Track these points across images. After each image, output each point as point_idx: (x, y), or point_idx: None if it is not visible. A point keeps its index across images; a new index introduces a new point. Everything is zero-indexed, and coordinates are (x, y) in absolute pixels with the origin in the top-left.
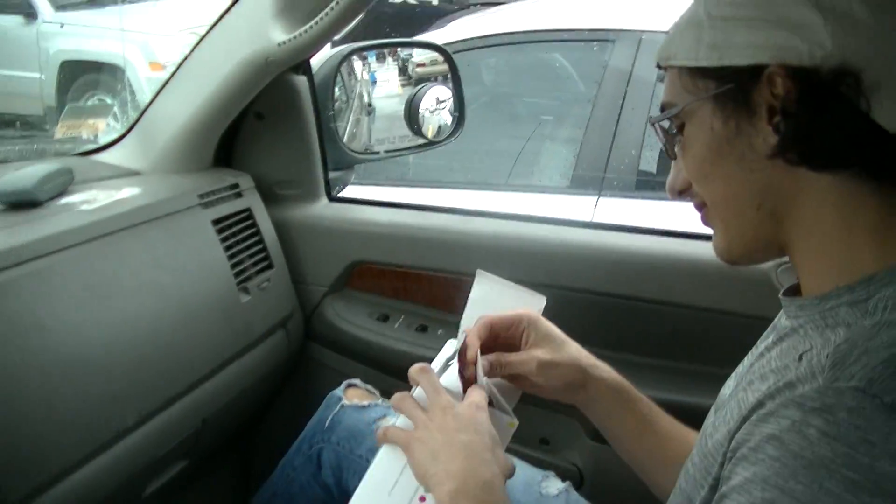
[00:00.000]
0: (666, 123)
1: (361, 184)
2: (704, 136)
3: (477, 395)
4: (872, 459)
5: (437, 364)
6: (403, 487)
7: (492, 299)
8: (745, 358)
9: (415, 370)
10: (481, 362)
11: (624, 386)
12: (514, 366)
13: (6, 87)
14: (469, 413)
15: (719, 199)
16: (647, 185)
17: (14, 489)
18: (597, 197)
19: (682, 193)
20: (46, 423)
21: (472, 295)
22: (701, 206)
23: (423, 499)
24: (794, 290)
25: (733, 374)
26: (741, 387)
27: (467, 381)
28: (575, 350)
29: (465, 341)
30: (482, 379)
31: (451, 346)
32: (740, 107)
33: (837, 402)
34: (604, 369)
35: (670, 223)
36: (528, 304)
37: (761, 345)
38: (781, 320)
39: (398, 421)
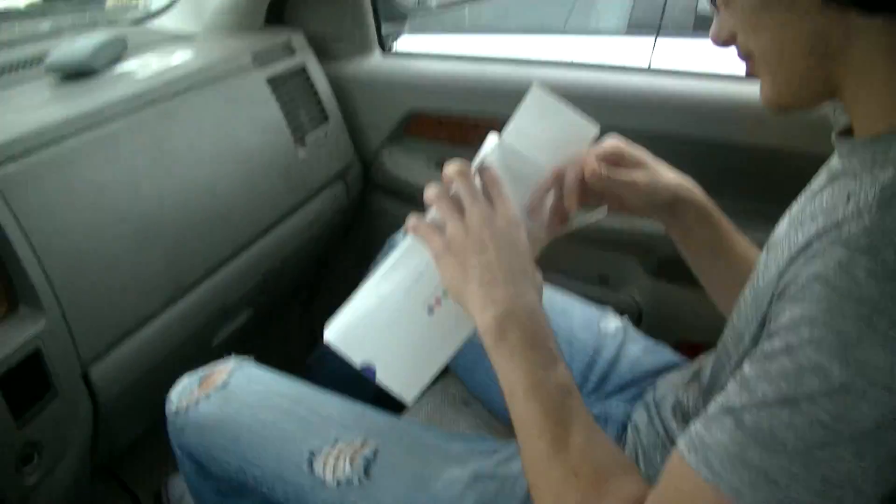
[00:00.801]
0: None
1: (416, 34)
2: None
3: (509, 207)
4: None
5: (474, 165)
6: (422, 287)
7: (543, 118)
8: (799, 196)
9: (451, 169)
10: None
11: (707, 206)
12: (618, 185)
13: None
14: (507, 230)
15: (768, 48)
16: (705, 23)
17: (88, 345)
18: (654, 38)
19: (726, 43)
20: (116, 282)
21: (521, 108)
22: (747, 57)
23: (438, 302)
24: (848, 132)
25: (786, 213)
26: (793, 227)
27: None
28: (667, 172)
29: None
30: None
31: (490, 142)
32: None
33: (883, 242)
34: (691, 190)
35: (727, 64)
36: (580, 130)
37: (814, 184)
38: (833, 161)
39: (431, 213)
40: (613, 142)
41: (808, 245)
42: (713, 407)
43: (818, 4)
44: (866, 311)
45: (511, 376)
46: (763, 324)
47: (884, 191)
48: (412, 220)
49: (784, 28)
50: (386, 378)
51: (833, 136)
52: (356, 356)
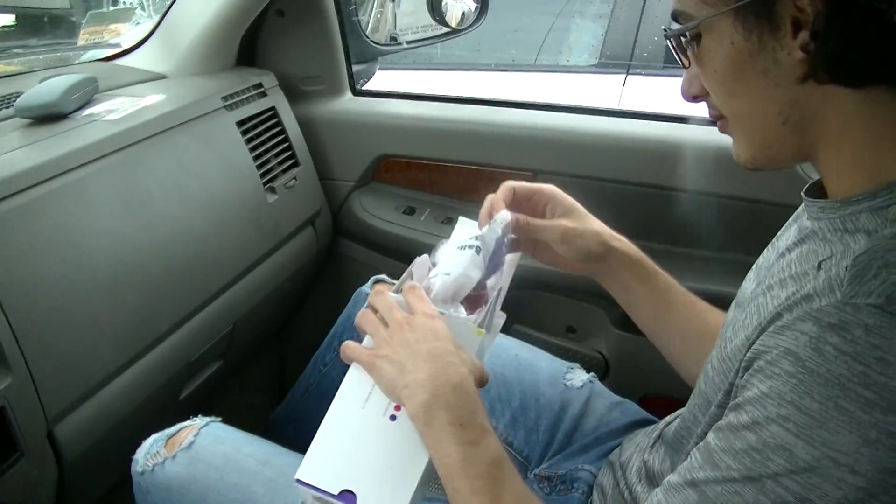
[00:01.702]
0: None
1: (388, 69)
2: (725, 50)
3: (426, 306)
4: (888, 378)
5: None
6: (376, 400)
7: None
8: (766, 250)
9: (371, 295)
10: (501, 218)
11: (642, 259)
12: (540, 230)
13: None
14: (425, 322)
15: (742, 114)
16: (676, 59)
17: (54, 403)
18: (625, 76)
19: (696, 99)
20: (83, 336)
21: (451, 237)
22: (719, 117)
23: (398, 408)
24: (817, 190)
25: (754, 267)
26: (761, 289)
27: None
28: (597, 223)
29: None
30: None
31: (418, 265)
32: (762, 20)
33: (855, 319)
34: (624, 242)
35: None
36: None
37: (782, 240)
38: (803, 219)
39: (365, 340)
40: (542, 186)
41: (778, 316)
42: (676, 476)
43: (795, 78)
44: (834, 391)
45: (442, 457)
46: (730, 392)
47: (855, 264)
48: (343, 347)
49: (758, 96)
50: (368, 499)
51: (803, 194)
52: (331, 487)
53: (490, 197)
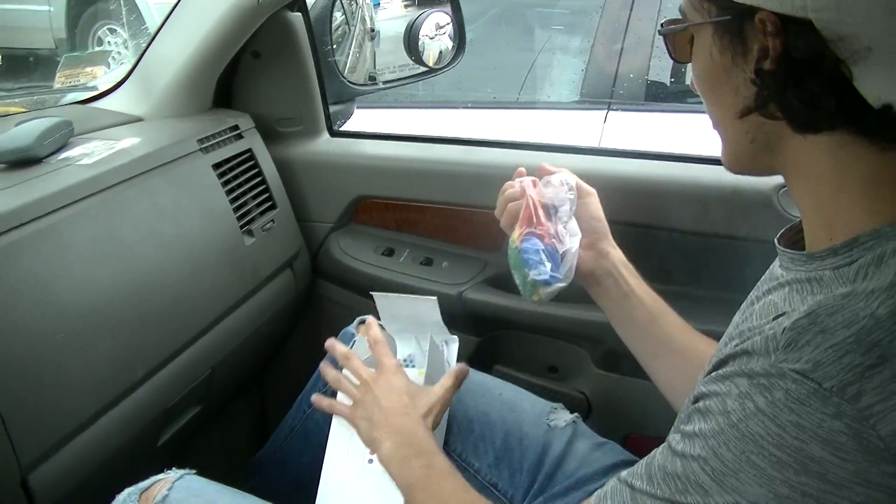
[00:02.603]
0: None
1: (369, 107)
2: (705, 59)
3: (388, 360)
4: (801, 443)
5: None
6: (356, 449)
7: (395, 311)
8: (752, 293)
9: (339, 356)
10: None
11: (635, 273)
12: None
13: (16, 21)
14: (383, 380)
15: (718, 123)
16: (657, 96)
17: (27, 451)
18: (606, 111)
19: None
20: (57, 384)
21: (380, 313)
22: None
23: (372, 452)
24: (789, 238)
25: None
26: (731, 332)
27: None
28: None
29: None
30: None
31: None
32: (736, 41)
33: (778, 383)
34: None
35: (680, 136)
36: (423, 308)
37: (759, 287)
38: (776, 268)
39: (339, 395)
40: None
41: (722, 363)
42: (625, 473)
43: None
44: (748, 446)
45: (403, 482)
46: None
47: (794, 328)
48: (316, 401)
49: (729, 111)
50: None
51: (776, 242)
52: None
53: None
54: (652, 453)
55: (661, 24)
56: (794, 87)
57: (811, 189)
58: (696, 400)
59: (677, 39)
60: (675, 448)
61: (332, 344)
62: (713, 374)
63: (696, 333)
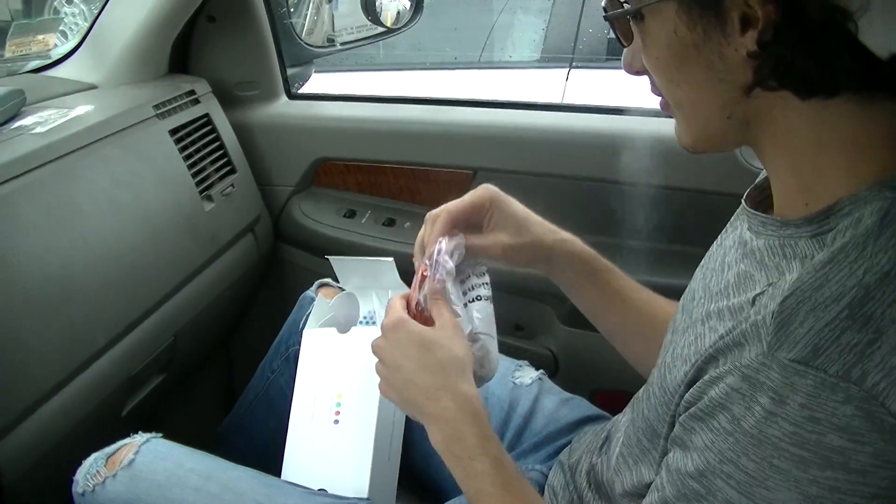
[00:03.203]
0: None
1: (329, 71)
2: (667, 38)
3: (394, 313)
4: (819, 435)
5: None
6: (320, 412)
7: (353, 273)
8: (713, 247)
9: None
10: (444, 245)
11: (591, 258)
12: (479, 251)
13: None
14: (405, 349)
15: (685, 104)
16: (618, 52)
17: None
18: (568, 69)
19: (639, 73)
20: (16, 355)
21: (339, 277)
22: (661, 98)
23: (338, 413)
24: (754, 198)
25: (699, 269)
26: (701, 313)
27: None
28: (539, 227)
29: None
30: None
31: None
32: (708, 12)
33: (782, 379)
34: (569, 241)
35: (642, 91)
36: (380, 269)
37: (727, 243)
38: (744, 228)
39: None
40: (479, 196)
41: (712, 358)
42: None
43: (742, 82)
44: (768, 451)
45: (463, 487)
46: (672, 424)
47: (783, 310)
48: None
49: (701, 88)
50: (339, 491)
51: (743, 202)
52: (313, 485)
53: (420, 235)
54: (653, 486)
55: (604, 8)
56: (807, 51)
57: (789, 155)
58: (691, 405)
59: (625, 22)
60: (687, 469)
61: None
62: (703, 378)
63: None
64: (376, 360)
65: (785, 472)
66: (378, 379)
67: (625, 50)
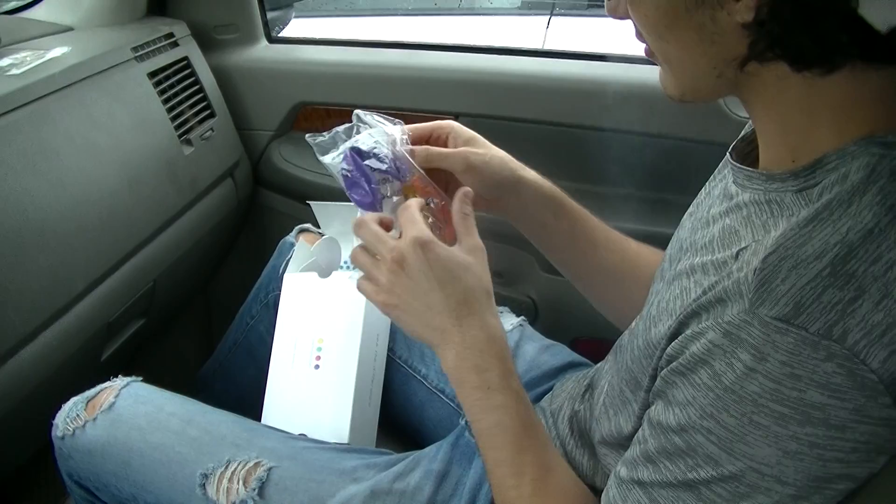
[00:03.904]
0: None
1: (307, 16)
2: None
3: (416, 228)
4: (800, 392)
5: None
6: (300, 357)
7: (334, 218)
8: (700, 196)
9: (355, 227)
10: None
11: (558, 194)
12: (442, 158)
13: None
14: (423, 262)
15: (673, 60)
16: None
17: None
18: (549, 16)
19: (623, 18)
20: None
21: (320, 223)
22: (647, 48)
23: (318, 357)
24: (741, 150)
25: (687, 216)
26: (686, 266)
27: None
28: (502, 153)
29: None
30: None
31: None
32: None
33: (763, 336)
34: (535, 175)
35: (624, 40)
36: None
37: (714, 194)
38: (730, 184)
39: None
40: (444, 122)
41: (695, 314)
42: (624, 470)
43: (736, 55)
44: (748, 408)
45: (472, 421)
46: (654, 377)
47: (764, 266)
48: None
49: (691, 49)
50: (319, 436)
51: (728, 155)
52: (293, 429)
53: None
54: (636, 439)
55: None
56: (805, 27)
57: (778, 115)
58: (672, 359)
59: None
60: (668, 423)
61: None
62: (685, 332)
63: (637, 245)
64: (385, 279)
65: (765, 428)
66: (359, 322)
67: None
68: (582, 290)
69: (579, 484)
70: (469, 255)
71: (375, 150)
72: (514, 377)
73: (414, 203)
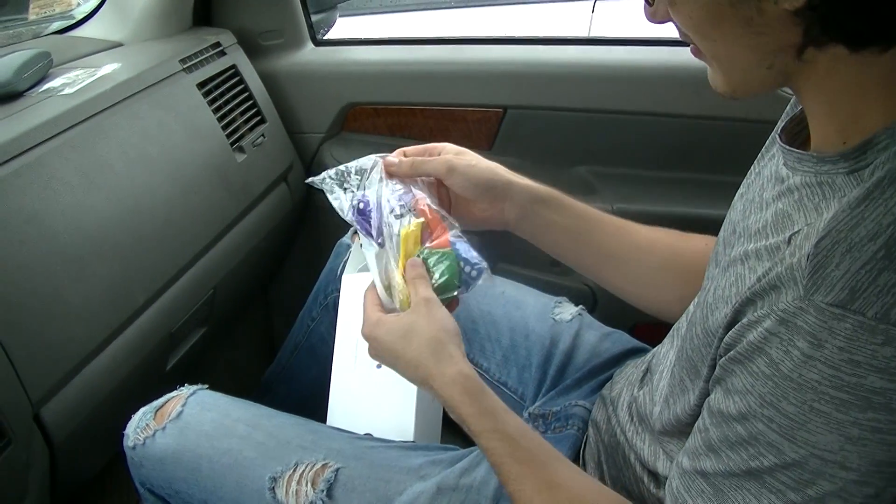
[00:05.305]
0: None
1: (352, 14)
2: None
3: (372, 310)
4: (860, 378)
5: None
6: (363, 357)
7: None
8: (750, 176)
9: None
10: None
11: (553, 192)
12: (426, 165)
13: None
14: (385, 333)
15: (722, 57)
16: None
17: (37, 386)
18: (594, 1)
19: (664, 21)
20: (58, 316)
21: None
22: (694, 47)
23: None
24: (790, 131)
25: (738, 197)
26: (740, 252)
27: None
28: (492, 162)
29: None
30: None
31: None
32: None
33: (819, 323)
34: (525, 179)
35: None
36: None
37: (765, 173)
38: (781, 167)
39: None
40: (398, 152)
41: (750, 301)
42: (686, 461)
43: (790, 42)
44: (808, 395)
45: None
46: (713, 366)
47: (818, 252)
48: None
49: (739, 44)
50: (384, 435)
51: (777, 137)
52: (358, 429)
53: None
54: (696, 428)
55: None
56: (862, 5)
57: (828, 98)
58: (730, 347)
59: None
60: (729, 412)
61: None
62: (741, 320)
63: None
64: (372, 351)
65: (826, 415)
66: None
67: (645, 4)
68: (598, 280)
69: (601, 491)
70: (413, 314)
71: (370, 209)
72: (487, 418)
73: (368, 293)
